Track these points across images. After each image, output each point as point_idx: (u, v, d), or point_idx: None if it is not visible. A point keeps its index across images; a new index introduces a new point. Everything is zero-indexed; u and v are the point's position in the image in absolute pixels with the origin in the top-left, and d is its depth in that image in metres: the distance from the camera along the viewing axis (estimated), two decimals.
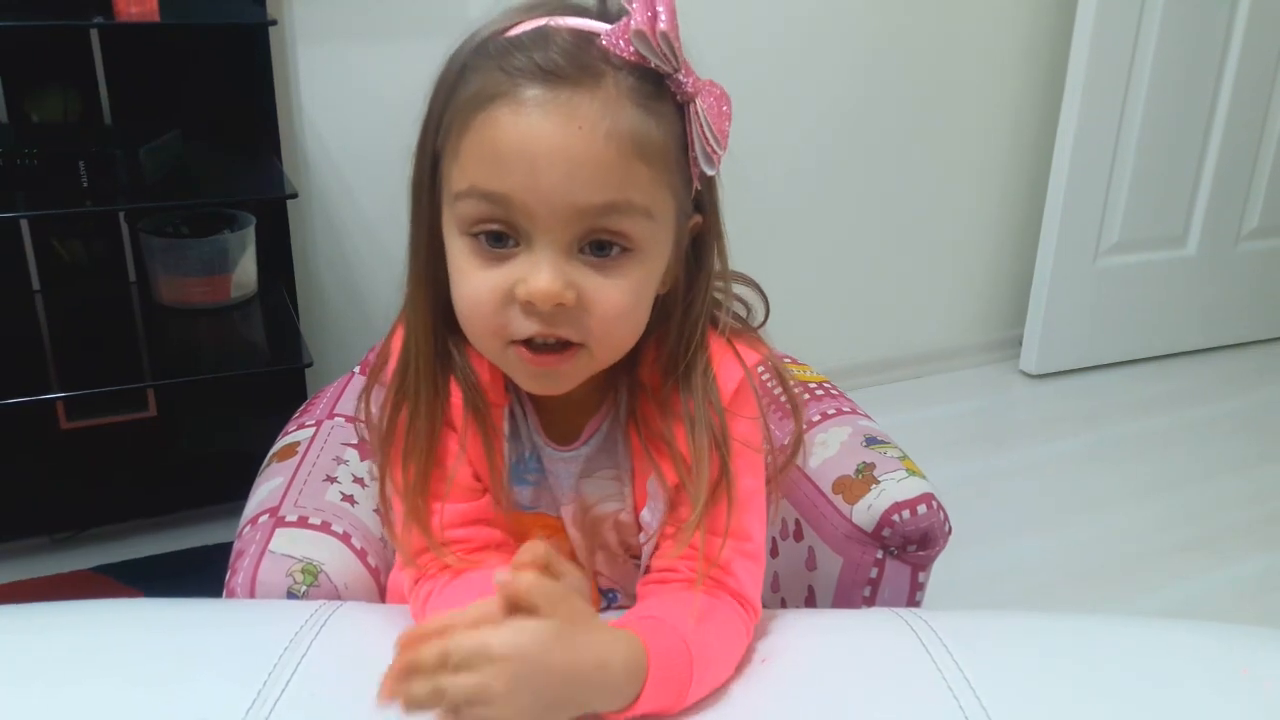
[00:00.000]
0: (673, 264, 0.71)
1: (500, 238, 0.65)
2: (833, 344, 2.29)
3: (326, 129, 1.73)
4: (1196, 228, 2.49)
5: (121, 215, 1.67)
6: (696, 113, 0.65)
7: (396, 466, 0.74)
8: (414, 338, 0.73)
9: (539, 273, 0.63)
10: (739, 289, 0.78)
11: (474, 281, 0.66)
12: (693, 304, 0.73)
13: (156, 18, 1.35)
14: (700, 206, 0.72)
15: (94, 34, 1.55)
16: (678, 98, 0.65)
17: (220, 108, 1.67)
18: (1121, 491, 1.99)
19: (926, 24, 2.16)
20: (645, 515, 0.77)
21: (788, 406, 1.14)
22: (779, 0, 2.01)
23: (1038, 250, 2.37)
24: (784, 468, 0.82)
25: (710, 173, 0.68)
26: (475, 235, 0.65)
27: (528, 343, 0.66)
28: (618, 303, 0.66)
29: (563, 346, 0.67)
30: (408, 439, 0.74)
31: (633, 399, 0.76)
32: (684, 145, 0.66)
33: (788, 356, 1.27)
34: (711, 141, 0.66)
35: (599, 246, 0.65)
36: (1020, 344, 2.47)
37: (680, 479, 0.73)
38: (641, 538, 0.77)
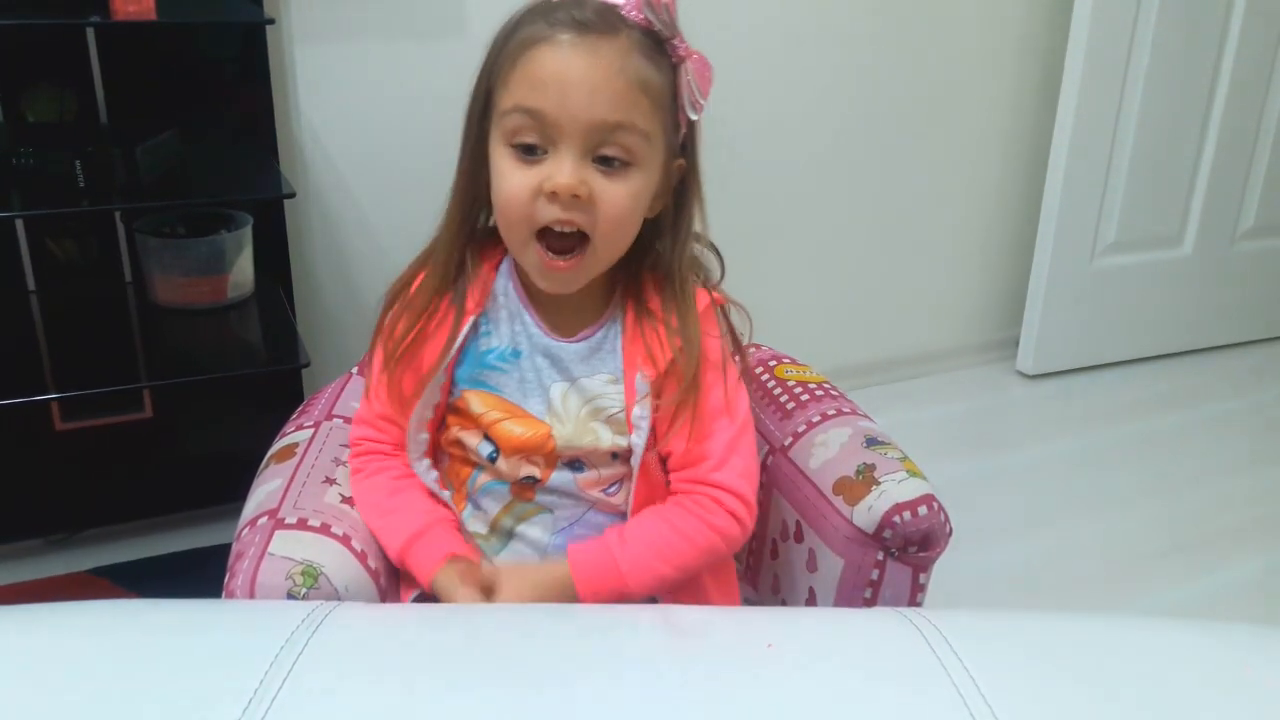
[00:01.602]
0: (662, 192, 0.91)
1: (532, 149, 0.85)
2: (829, 345, 2.29)
3: (324, 128, 1.73)
4: (1193, 228, 2.49)
5: (118, 215, 1.66)
6: (685, 70, 0.87)
7: (390, 324, 0.95)
8: (445, 230, 0.94)
9: (562, 169, 0.84)
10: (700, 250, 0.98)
11: (513, 179, 0.86)
12: (679, 227, 0.94)
13: (154, 16, 1.34)
14: (685, 152, 0.92)
15: (90, 33, 1.54)
16: (672, 59, 0.87)
17: (217, 107, 1.66)
18: (1120, 493, 1.99)
19: (922, 24, 2.16)
20: (636, 411, 0.93)
21: (787, 407, 1.14)
22: (772, 4, 2.01)
23: (1034, 250, 2.38)
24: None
25: (694, 117, 0.89)
26: (515, 145, 0.86)
27: (548, 236, 0.86)
28: (619, 201, 0.86)
29: (573, 246, 0.87)
30: (412, 297, 0.94)
31: (638, 312, 0.95)
32: (674, 95, 0.88)
33: (787, 357, 1.27)
34: (696, 94, 0.88)
35: (606, 160, 0.85)
36: (1017, 344, 2.47)
37: (668, 366, 0.92)
38: (634, 437, 0.93)
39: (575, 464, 0.95)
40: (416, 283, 0.95)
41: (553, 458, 0.94)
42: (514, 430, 0.94)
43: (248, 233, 1.65)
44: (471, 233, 0.95)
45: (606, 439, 0.94)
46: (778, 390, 1.18)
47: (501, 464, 0.95)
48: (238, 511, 0.98)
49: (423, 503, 0.97)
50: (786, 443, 1.11)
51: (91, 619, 0.75)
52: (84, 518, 1.68)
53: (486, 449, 0.95)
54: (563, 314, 0.95)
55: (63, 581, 1.59)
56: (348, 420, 1.12)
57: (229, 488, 1.71)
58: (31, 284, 1.67)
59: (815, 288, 2.29)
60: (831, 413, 1.12)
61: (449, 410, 0.97)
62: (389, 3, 1.71)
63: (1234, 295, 2.61)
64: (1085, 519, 1.90)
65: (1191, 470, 2.08)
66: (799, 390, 1.16)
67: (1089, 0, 2.15)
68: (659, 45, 0.86)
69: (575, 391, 0.94)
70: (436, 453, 1.00)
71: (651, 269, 0.96)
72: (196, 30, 1.62)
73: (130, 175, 1.41)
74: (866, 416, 1.13)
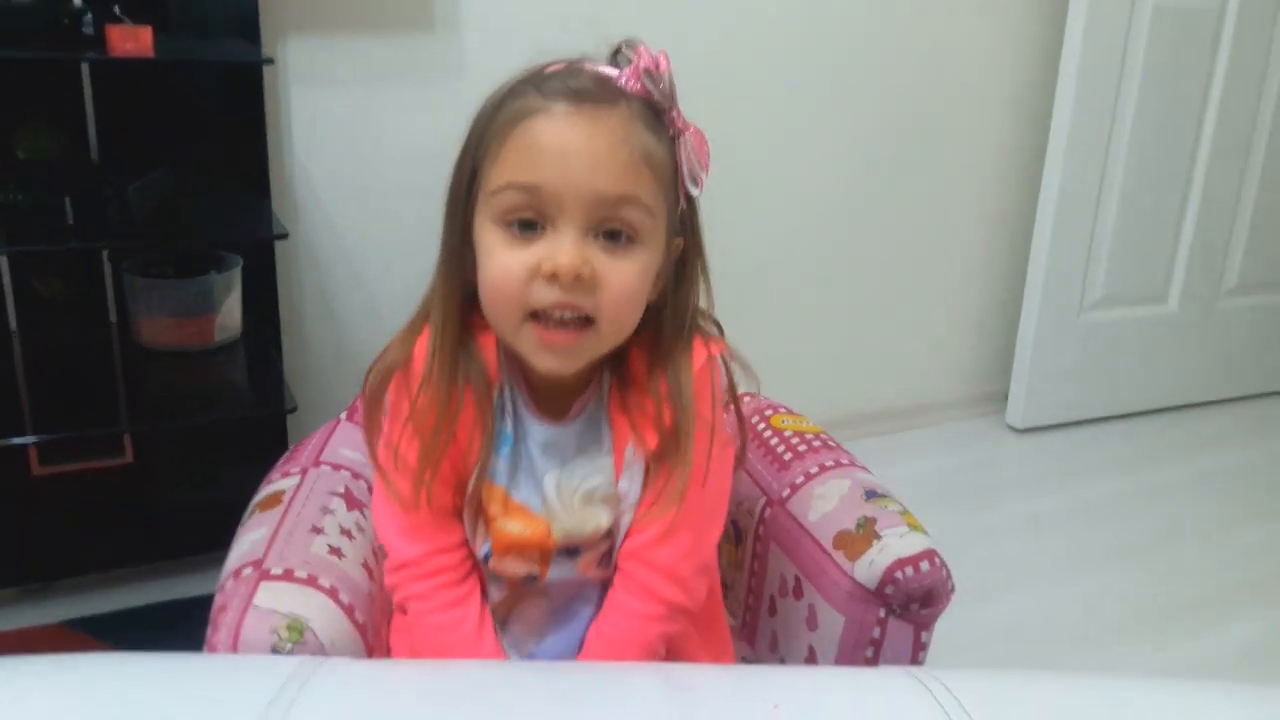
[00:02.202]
0: (662, 272, 0.84)
1: (529, 225, 0.78)
2: (819, 397, 2.27)
3: (317, 170, 1.72)
4: (1177, 284, 2.51)
5: (105, 254, 1.64)
6: (685, 143, 0.82)
7: (402, 440, 0.86)
8: (441, 325, 0.85)
9: (563, 248, 0.77)
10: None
11: (505, 260, 0.79)
12: (680, 303, 0.87)
13: (151, 54, 1.33)
14: (683, 230, 0.86)
15: (85, 69, 1.53)
16: (670, 131, 0.81)
17: (210, 146, 1.65)
18: (1110, 549, 1.97)
19: (910, 84, 2.18)
20: (622, 484, 0.88)
21: (784, 458, 1.12)
22: (768, 61, 2.02)
23: (1022, 305, 2.38)
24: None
25: (695, 192, 0.83)
26: (508, 224, 0.79)
27: (543, 319, 0.79)
28: (625, 281, 0.79)
29: (576, 325, 0.79)
30: (431, 389, 0.85)
31: (621, 383, 0.88)
32: (674, 169, 0.82)
33: (782, 407, 1.25)
34: (696, 166, 0.82)
35: (611, 235, 0.79)
36: (1006, 398, 2.47)
37: (660, 445, 0.86)
38: (620, 508, 0.88)
39: (572, 551, 0.90)
40: (418, 362, 0.86)
41: (549, 554, 0.89)
42: (510, 528, 0.88)
43: (237, 274, 1.63)
44: (467, 313, 0.86)
45: (606, 520, 0.89)
46: (774, 440, 1.16)
47: (494, 564, 0.90)
48: (220, 561, 0.95)
49: (490, 650, 0.90)
50: (784, 494, 1.09)
51: (67, 674, 0.72)
52: (60, 567, 1.64)
53: (483, 549, 0.90)
54: (551, 391, 0.89)
55: (36, 634, 1.54)
56: (336, 467, 1.10)
57: (211, 536, 1.67)
58: (14, 324, 1.64)
59: (806, 340, 2.28)
60: (830, 464, 1.10)
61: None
62: (386, 46, 1.71)
63: (1219, 351, 2.63)
64: (1078, 576, 1.88)
65: (1182, 527, 2.07)
66: (796, 440, 1.15)
67: (1075, 60, 2.18)
68: (658, 117, 0.81)
69: (567, 475, 0.88)
70: None
71: (648, 342, 0.88)
72: (192, 69, 1.61)
73: (121, 214, 1.40)
74: (864, 468, 1.11)
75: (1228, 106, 2.37)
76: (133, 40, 1.32)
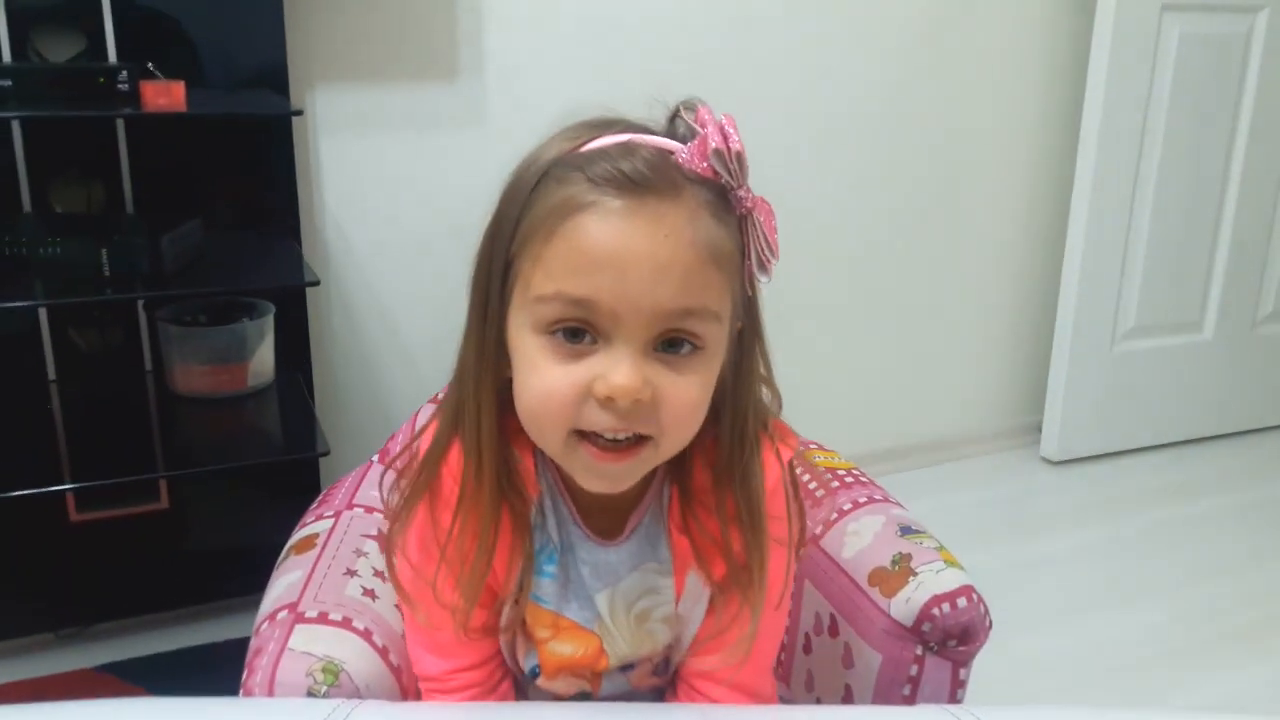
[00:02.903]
0: (725, 365, 0.73)
1: (577, 333, 0.68)
2: (853, 431, 2.27)
3: (346, 218, 1.74)
4: (1212, 313, 2.48)
5: (140, 304, 1.67)
6: (754, 224, 0.70)
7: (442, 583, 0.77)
8: (476, 435, 0.74)
9: (619, 369, 0.67)
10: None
11: (551, 376, 0.68)
12: (740, 402, 0.76)
13: (184, 108, 1.36)
14: (745, 313, 0.75)
15: (119, 124, 1.56)
16: (738, 211, 0.70)
17: (242, 195, 1.67)
18: (1148, 583, 1.94)
19: (939, 114, 2.19)
20: (683, 607, 0.81)
21: (817, 494, 1.11)
22: (794, 92, 2.04)
23: (1054, 336, 2.37)
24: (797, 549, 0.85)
25: (765, 280, 0.72)
26: (554, 334, 0.68)
27: (595, 438, 0.69)
28: (690, 398, 0.69)
29: (632, 443, 0.70)
30: (462, 546, 0.76)
31: (684, 498, 0.78)
32: (743, 253, 0.70)
33: (813, 443, 1.25)
34: (766, 251, 0.70)
35: (671, 344, 0.68)
36: (1040, 429, 2.45)
37: (728, 576, 0.77)
38: (683, 633, 0.81)
39: (625, 666, 0.85)
40: (448, 486, 0.77)
41: (600, 672, 0.84)
42: (561, 650, 0.82)
43: (269, 321, 1.64)
44: (501, 420, 0.75)
45: (663, 639, 0.83)
46: (807, 476, 1.15)
47: (544, 683, 0.85)
48: (254, 605, 0.96)
49: None
50: (818, 531, 1.08)
51: (104, 718, 0.72)
52: (95, 612, 1.65)
53: (531, 663, 0.85)
54: (603, 507, 0.80)
55: (71, 678, 1.55)
56: (369, 509, 1.11)
57: (245, 580, 1.68)
58: (52, 373, 1.66)
59: (839, 374, 2.28)
60: (863, 500, 1.09)
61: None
62: (412, 95, 1.74)
63: (1256, 379, 2.59)
64: (1117, 609, 1.85)
65: (1221, 559, 2.03)
66: (828, 477, 1.14)
67: (1101, 87, 2.17)
68: (724, 198, 0.69)
69: (621, 595, 0.81)
70: None
71: (711, 445, 0.77)
72: (223, 121, 1.64)
73: (155, 265, 1.42)
74: (898, 504, 1.10)
75: (1257, 130, 2.35)
76: (166, 95, 1.34)
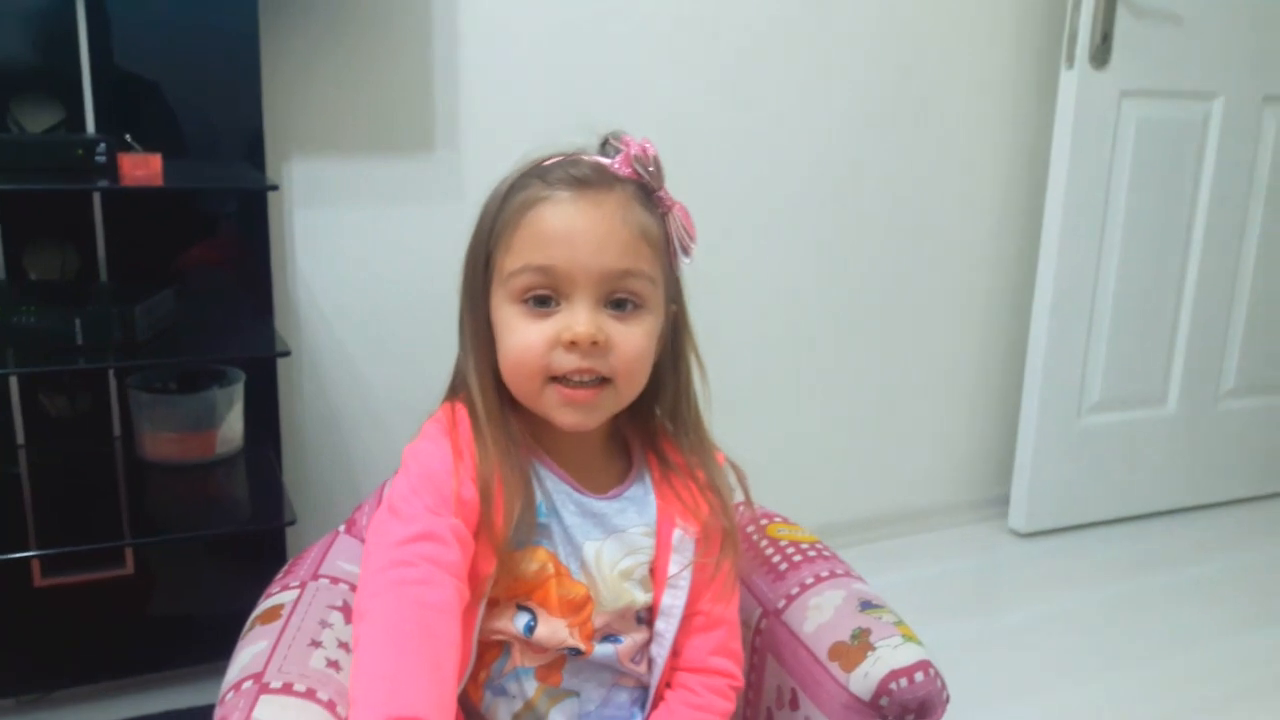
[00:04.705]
0: (663, 332, 0.94)
1: (544, 300, 0.87)
2: (818, 503, 2.28)
3: (319, 287, 1.76)
4: (1175, 387, 2.53)
5: (111, 371, 1.67)
6: (674, 218, 0.91)
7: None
8: (482, 403, 0.92)
9: (579, 319, 0.86)
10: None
11: (527, 333, 0.87)
12: (679, 369, 0.98)
13: (160, 182, 1.38)
14: (675, 298, 0.96)
15: (96, 195, 1.58)
16: (660, 209, 0.91)
17: (215, 264, 1.69)
18: (1115, 655, 1.95)
19: (901, 190, 2.24)
20: (674, 569, 0.95)
21: (780, 568, 1.13)
22: (752, 172, 2.08)
23: (1021, 409, 2.40)
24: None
25: (686, 261, 0.93)
26: (525, 301, 0.88)
27: (564, 380, 0.87)
28: (635, 342, 0.89)
29: (594, 385, 0.88)
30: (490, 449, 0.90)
31: (662, 466, 0.98)
32: (667, 241, 0.92)
33: (778, 515, 1.26)
34: (685, 238, 0.92)
35: (618, 304, 0.88)
36: (1008, 501, 2.47)
37: (702, 530, 0.96)
38: (668, 598, 0.95)
39: (612, 636, 0.95)
40: (466, 438, 0.90)
41: (590, 628, 0.93)
42: (556, 590, 0.93)
43: (239, 389, 1.65)
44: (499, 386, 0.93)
45: (640, 597, 0.96)
46: (769, 550, 1.17)
47: (542, 630, 0.92)
48: (217, 672, 0.96)
49: (434, 686, 0.78)
50: (780, 605, 1.09)
51: None
52: (59, 678, 1.63)
53: (523, 620, 0.93)
54: (590, 471, 0.96)
55: None
56: (334, 580, 1.11)
57: (210, 647, 1.66)
58: (20, 438, 1.66)
59: (806, 446, 2.30)
60: (825, 574, 1.11)
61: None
62: (388, 166, 1.77)
63: (1220, 453, 2.63)
64: (1082, 682, 1.86)
65: (1187, 632, 2.04)
66: (791, 551, 1.15)
67: (1064, 168, 2.23)
68: (649, 196, 0.90)
69: (609, 547, 0.94)
70: None
71: (664, 417, 0.99)
72: (201, 195, 1.67)
73: (127, 334, 1.43)
74: (860, 578, 1.12)
75: (1215, 208, 2.42)
76: (143, 167, 1.36)
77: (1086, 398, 2.42)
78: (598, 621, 0.94)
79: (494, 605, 0.92)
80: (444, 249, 0.96)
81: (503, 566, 0.90)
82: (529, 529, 0.92)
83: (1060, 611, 2.12)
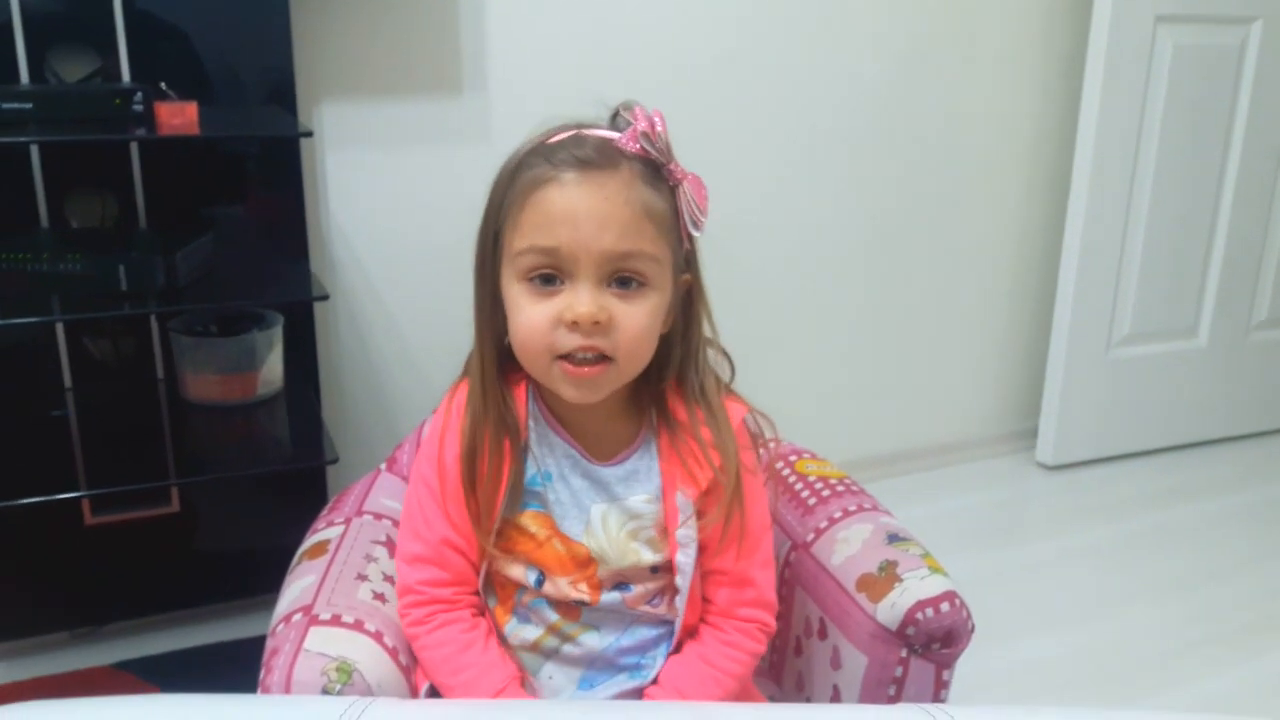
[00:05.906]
0: (671, 306, 0.94)
1: (549, 279, 0.88)
2: (848, 437, 2.31)
3: (354, 232, 1.79)
4: (1207, 319, 2.52)
5: (153, 316, 1.71)
6: (684, 191, 0.90)
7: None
8: (479, 371, 0.96)
9: (581, 299, 0.87)
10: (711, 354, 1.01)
11: (534, 311, 0.89)
12: (690, 335, 0.98)
13: (196, 131, 1.40)
14: (689, 267, 0.96)
15: (134, 144, 1.60)
16: (670, 182, 0.90)
17: (251, 211, 1.72)
18: (1142, 586, 1.98)
19: (932, 119, 2.22)
20: (681, 532, 0.96)
21: (809, 502, 1.15)
22: (784, 99, 2.07)
23: (1050, 342, 2.40)
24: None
25: (696, 234, 0.92)
26: (531, 279, 0.89)
27: (569, 357, 0.88)
28: (637, 322, 0.89)
29: (597, 360, 0.89)
30: (470, 426, 0.95)
31: (669, 429, 0.97)
32: (676, 215, 0.91)
33: (806, 451, 1.28)
34: (696, 212, 0.91)
35: (622, 282, 0.88)
36: (1036, 435, 2.48)
37: (708, 486, 0.96)
38: (680, 556, 0.96)
39: (621, 584, 0.97)
40: (459, 403, 0.98)
41: (596, 580, 0.96)
42: (558, 549, 0.96)
43: (278, 331, 1.69)
44: (503, 364, 0.97)
45: (648, 557, 0.97)
46: (799, 485, 1.19)
47: (549, 587, 0.96)
48: (263, 605, 1.00)
49: (497, 661, 0.96)
50: (809, 539, 1.12)
51: (121, 713, 0.76)
52: (110, 611, 1.70)
53: (532, 575, 0.97)
54: (597, 438, 0.98)
55: (88, 675, 1.59)
56: (378, 516, 1.15)
57: (253, 582, 1.72)
58: (68, 381, 1.71)
59: (833, 381, 2.31)
60: (853, 508, 1.13)
61: (496, 538, 0.98)
62: (417, 109, 1.78)
63: (1250, 385, 2.62)
64: (1109, 613, 1.89)
65: (1214, 563, 2.06)
66: (820, 485, 1.18)
67: (1096, 98, 2.21)
68: (657, 172, 0.89)
69: (615, 511, 0.96)
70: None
71: (673, 381, 0.98)
72: (235, 142, 1.69)
73: (169, 279, 1.46)
74: (887, 512, 1.14)
75: (1251, 138, 2.39)
76: (179, 116, 1.38)
77: (1117, 330, 2.41)
78: (604, 574, 0.96)
79: (507, 554, 0.97)
80: (472, 190, 0.96)
81: (499, 532, 0.96)
82: (518, 493, 0.96)
83: (1087, 544, 2.14)
